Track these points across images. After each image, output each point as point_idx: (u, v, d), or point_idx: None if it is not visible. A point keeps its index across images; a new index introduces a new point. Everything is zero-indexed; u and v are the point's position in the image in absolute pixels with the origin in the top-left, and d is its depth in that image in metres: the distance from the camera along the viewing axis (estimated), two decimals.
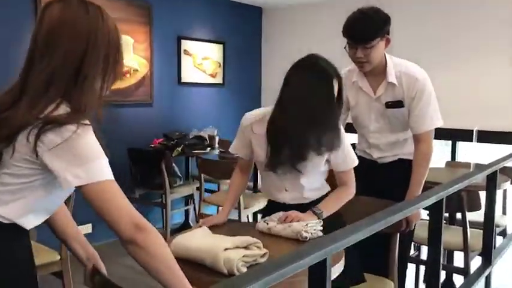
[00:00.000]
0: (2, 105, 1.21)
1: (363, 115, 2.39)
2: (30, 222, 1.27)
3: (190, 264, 1.49)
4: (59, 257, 2.52)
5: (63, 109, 1.18)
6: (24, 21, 3.57)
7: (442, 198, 1.72)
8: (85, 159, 1.14)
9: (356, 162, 2.02)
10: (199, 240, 1.53)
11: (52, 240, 2.60)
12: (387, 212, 1.46)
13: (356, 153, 2.17)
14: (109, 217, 1.17)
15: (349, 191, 2.01)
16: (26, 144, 1.16)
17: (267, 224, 1.82)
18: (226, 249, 1.44)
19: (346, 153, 1.97)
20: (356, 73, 2.35)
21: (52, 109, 1.17)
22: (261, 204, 3.91)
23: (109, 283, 1.37)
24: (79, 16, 1.22)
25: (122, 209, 1.17)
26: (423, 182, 2.28)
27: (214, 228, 1.76)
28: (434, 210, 1.77)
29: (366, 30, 2.15)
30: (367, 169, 2.32)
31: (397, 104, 2.28)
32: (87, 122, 1.18)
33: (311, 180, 1.96)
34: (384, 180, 2.34)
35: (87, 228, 3.98)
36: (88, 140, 1.16)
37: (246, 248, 1.50)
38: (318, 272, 1.10)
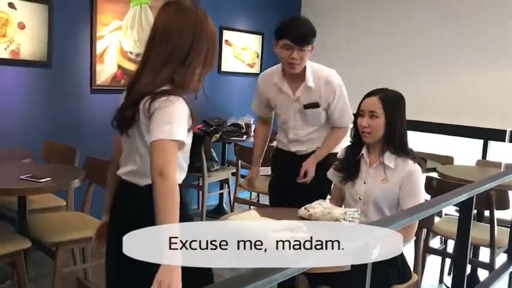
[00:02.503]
0: (132, 78, 1.62)
1: (284, 114, 2.64)
2: (179, 178, 1.57)
3: None
4: None
5: (170, 85, 1.54)
6: (80, 14, 3.81)
7: (473, 196, 1.85)
8: (159, 122, 1.43)
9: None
10: (250, 222, 1.73)
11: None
12: (422, 206, 1.62)
13: (276, 146, 2.75)
14: (150, 161, 1.41)
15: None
16: (143, 110, 1.49)
17: (308, 210, 2.00)
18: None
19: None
20: (277, 76, 2.58)
21: (165, 87, 1.52)
22: None
23: None
24: (189, 15, 1.58)
25: (159, 158, 1.40)
26: (328, 152, 2.61)
27: (262, 213, 1.95)
28: (465, 207, 1.90)
29: (307, 33, 2.41)
30: (286, 160, 2.69)
31: (314, 105, 2.54)
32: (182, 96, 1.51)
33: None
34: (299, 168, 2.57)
35: None
36: (175, 108, 1.47)
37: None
38: (361, 253, 1.27)
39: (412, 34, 4.86)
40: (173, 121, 1.44)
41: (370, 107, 2.07)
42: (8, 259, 2.40)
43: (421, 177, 2.10)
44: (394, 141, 2.07)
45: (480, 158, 4.48)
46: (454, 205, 2.05)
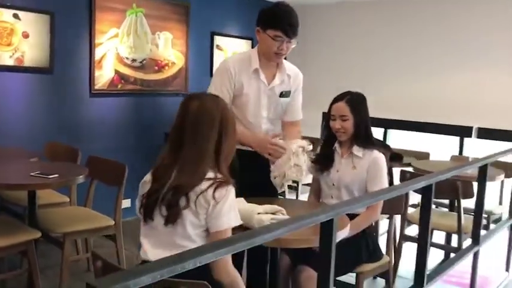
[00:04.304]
0: (159, 169, 1.69)
1: (255, 104, 2.42)
2: None
3: None
4: (113, 222, 3.00)
5: (214, 175, 1.66)
6: (80, 23, 4.07)
7: (431, 184, 2.12)
8: (223, 212, 1.62)
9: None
10: (238, 206, 1.98)
11: (106, 209, 3.11)
12: (385, 190, 1.89)
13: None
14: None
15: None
16: (204, 197, 1.61)
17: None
18: (258, 213, 1.90)
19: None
20: (255, 62, 2.39)
21: (209, 176, 1.64)
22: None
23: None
24: (213, 108, 1.70)
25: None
26: None
27: (247, 198, 2.20)
28: (424, 193, 2.17)
29: (297, 25, 2.30)
30: (252, 159, 2.31)
31: (287, 94, 2.48)
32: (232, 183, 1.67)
33: None
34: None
35: (127, 202, 4.46)
36: (232, 197, 1.65)
37: (273, 213, 1.95)
38: (327, 227, 1.53)
39: (390, 42, 5.15)
40: (233, 209, 1.66)
41: (340, 112, 2.41)
42: (20, 248, 2.64)
43: (385, 164, 2.41)
44: (361, 135, 2.42)
45: (457, 153, 4.78)
46: (416, 192, 2.31)
